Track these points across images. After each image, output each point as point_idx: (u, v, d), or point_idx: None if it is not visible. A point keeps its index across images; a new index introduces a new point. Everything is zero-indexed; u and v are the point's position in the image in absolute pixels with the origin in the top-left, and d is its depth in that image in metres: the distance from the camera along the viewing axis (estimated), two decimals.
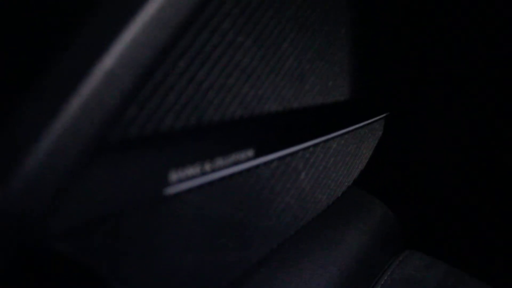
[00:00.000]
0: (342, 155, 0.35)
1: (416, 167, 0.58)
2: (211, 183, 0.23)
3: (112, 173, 0.18)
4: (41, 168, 0.17)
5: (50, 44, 0.17)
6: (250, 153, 0.25)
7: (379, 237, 0.44)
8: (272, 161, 0.27)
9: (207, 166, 0.22)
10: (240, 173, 0.25)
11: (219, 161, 0.23)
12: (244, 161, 0.25)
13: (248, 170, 0.25)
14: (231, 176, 0.24)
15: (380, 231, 0.45)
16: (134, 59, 0.17)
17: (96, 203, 0.18)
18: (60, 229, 0.18)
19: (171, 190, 0.21)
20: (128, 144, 0.19)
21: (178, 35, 0.18)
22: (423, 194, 0.59)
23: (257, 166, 0.26)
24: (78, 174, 0.17)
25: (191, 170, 0.22)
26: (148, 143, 0.19)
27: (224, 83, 0.21)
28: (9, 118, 0.17)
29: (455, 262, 0.44)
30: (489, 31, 0.48)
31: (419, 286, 0.41)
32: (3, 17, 0.18)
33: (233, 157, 0.24)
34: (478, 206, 0.56)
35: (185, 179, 0.22)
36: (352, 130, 0.34)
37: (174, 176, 0.21)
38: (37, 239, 0.17)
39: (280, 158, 0.27)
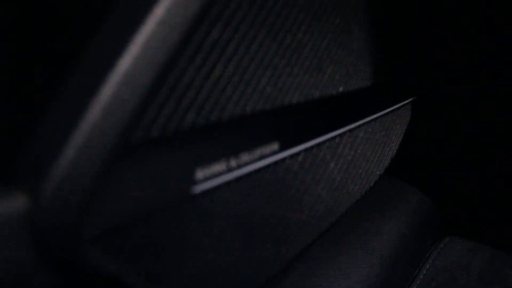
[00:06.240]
0: (371, 143, 0.34)
1: (450, 151, 0.57)
2: (238, 179, 0.23)
3: (139, 175, 0.19)
4: (68, 176, 0.17)
5: (65, 53, 0.18)
6: (275, 146, 0.25)
7: (418, 225, 0.43)
8: (298, 153, 0.27)
9: (233, 162, 0.22)
10: (267, 167, 0.25)
11: (245, 156, 0.23)
12: (270, 155, 0.25)
13: (275, 163, 0.25)
14: (258, 170, 0.24)
15: (418, 218, 0.44)
16: (149, 59, 0.17)
17: (125, 205, 0.18)
18: (93, 234, 0.18)
19: (199, 188, 0.21)
20: (152, 145, 0.19)
21: (190, 31, 0.18)
22: (458, 179, 0.57)
23: (284, 159, 0.26)
24: (105, 178, 0.18)
25: (217, 167, 0.22)
26: (172, 143, 0.19)
27: (242, 77, 0.21)
28: (32, 130, 0.17)
29: (499, 246, 0.43)
30: None
31: (464, 271, 0.40)
32: (23, 25, 0.18)
33: (258, 151, 0.24)
34: None
35: (211, 176, 0.22)
36: (378, 117, 0.34)
37: (200, 174, 0.21)
38: (72, 245, 0.18)
39: (306, 150, 0.27)
